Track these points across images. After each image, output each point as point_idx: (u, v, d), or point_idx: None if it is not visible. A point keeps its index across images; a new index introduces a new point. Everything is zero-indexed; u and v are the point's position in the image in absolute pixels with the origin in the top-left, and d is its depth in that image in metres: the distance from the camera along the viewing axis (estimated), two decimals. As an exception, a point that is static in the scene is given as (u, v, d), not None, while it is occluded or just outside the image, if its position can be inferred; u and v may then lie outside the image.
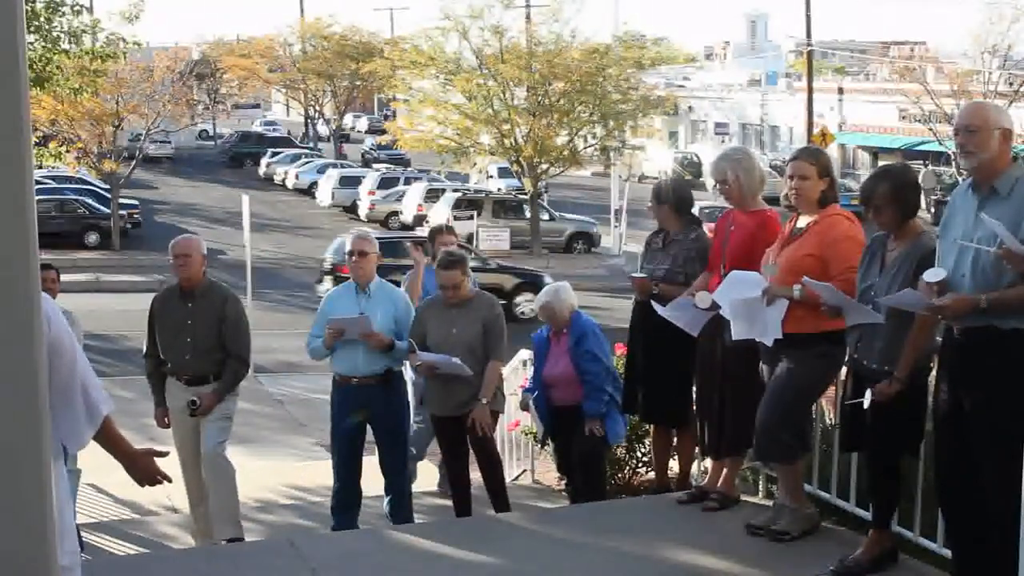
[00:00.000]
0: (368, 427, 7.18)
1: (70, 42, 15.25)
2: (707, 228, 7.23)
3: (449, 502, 7.57)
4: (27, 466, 1.71)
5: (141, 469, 3.79)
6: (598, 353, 6.91)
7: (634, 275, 6.87)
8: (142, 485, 3.87)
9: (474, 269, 7.58)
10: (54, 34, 14.97)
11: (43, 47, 14.71)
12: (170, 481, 4.04)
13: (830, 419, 6.23)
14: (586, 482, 7.20)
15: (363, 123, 72.96)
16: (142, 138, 31.88)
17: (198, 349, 6.99)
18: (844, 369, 5.53)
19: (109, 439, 3.62)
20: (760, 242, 5.97)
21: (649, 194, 7.03)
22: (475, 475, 7.32)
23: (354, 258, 7.08)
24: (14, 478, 1.71)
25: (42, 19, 14.68)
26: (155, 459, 3.83)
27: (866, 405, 4.97)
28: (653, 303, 6.50)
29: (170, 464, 4.09)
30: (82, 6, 15.56)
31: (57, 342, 3.21)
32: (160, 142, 33.25)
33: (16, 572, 1.73)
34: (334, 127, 55.80)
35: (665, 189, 6.92)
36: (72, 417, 3.35)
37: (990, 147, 4.41)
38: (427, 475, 8.78)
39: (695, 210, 7.01)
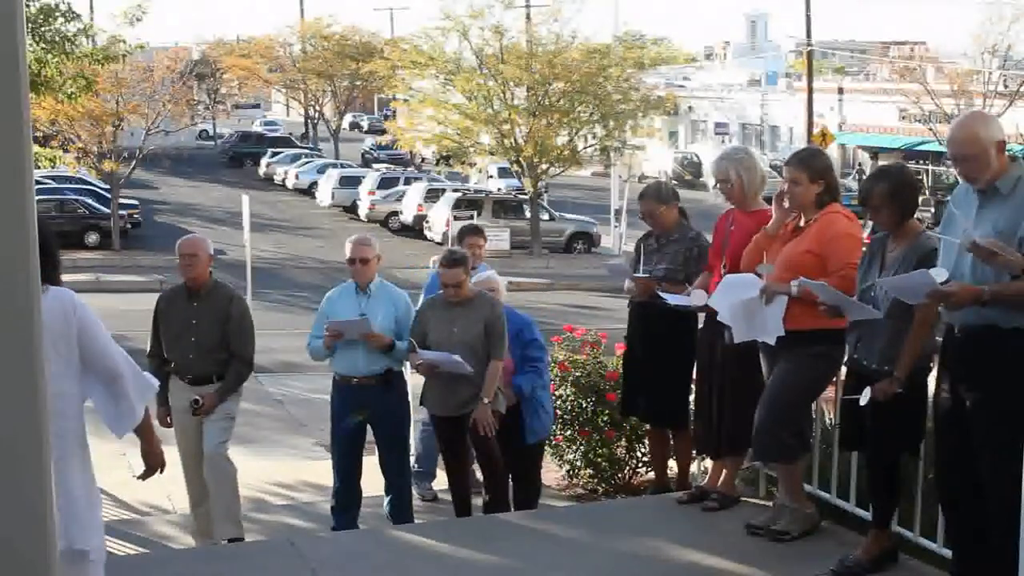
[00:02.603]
0: (368, 427, 7.19)
1: (64, 47, 15.18)
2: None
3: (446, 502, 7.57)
4: (27, 459, 1.71)
5: (156, 455, 4.30)
6: (544, 343, 7.25)
7: (637, 275, 6.86)
8: (149, 474, 4.33)
9: None
10: (48, 38, 14.91)
11: (42, 49, 14.66)
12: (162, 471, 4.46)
13: (830, 419, 6.23)
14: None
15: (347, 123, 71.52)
16: (143, 138, 31.84)
17: (202, 349, 6.99)
18: (844, 369, 5.53)
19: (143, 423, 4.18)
20: (760, 241, 5.97)
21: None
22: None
23: (356, 265, 7.10)
24: (14, 472, 1.71)
25: (38, 22, 14.63)
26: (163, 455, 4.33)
27: (863, 402, 4.97)
28: (660, 293, 6.51)
29: (172, 463, 4.18)
30: (75, 13, 15.49)
31: (84, 327, 3.51)
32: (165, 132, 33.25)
33: (15, 562, 1.73)
34: (334, 127, 55.74)
35: (665, 189, 6.92)
36: (121, 396, 3.90)
37: (990, 166, 4.42)
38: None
39: None
